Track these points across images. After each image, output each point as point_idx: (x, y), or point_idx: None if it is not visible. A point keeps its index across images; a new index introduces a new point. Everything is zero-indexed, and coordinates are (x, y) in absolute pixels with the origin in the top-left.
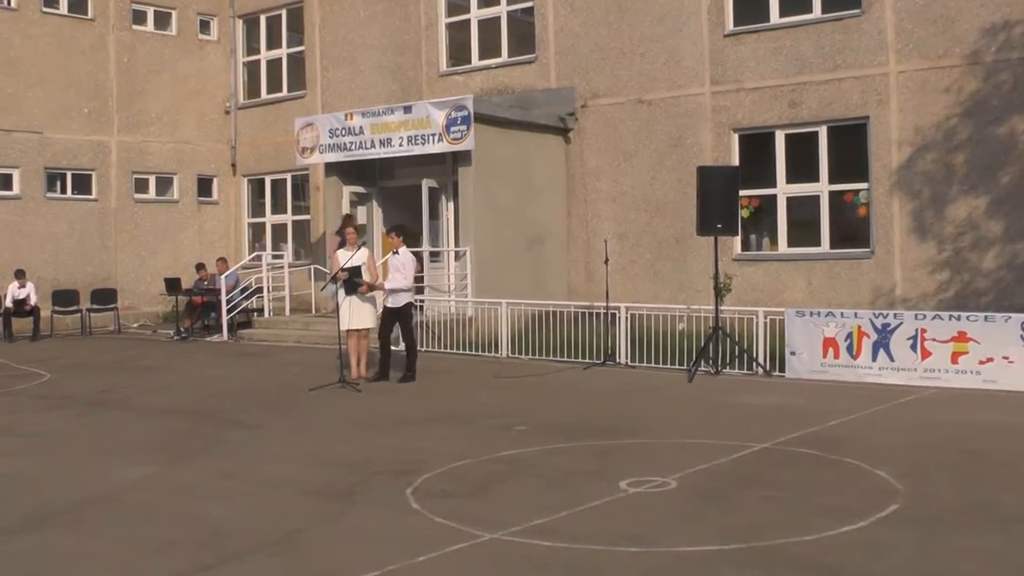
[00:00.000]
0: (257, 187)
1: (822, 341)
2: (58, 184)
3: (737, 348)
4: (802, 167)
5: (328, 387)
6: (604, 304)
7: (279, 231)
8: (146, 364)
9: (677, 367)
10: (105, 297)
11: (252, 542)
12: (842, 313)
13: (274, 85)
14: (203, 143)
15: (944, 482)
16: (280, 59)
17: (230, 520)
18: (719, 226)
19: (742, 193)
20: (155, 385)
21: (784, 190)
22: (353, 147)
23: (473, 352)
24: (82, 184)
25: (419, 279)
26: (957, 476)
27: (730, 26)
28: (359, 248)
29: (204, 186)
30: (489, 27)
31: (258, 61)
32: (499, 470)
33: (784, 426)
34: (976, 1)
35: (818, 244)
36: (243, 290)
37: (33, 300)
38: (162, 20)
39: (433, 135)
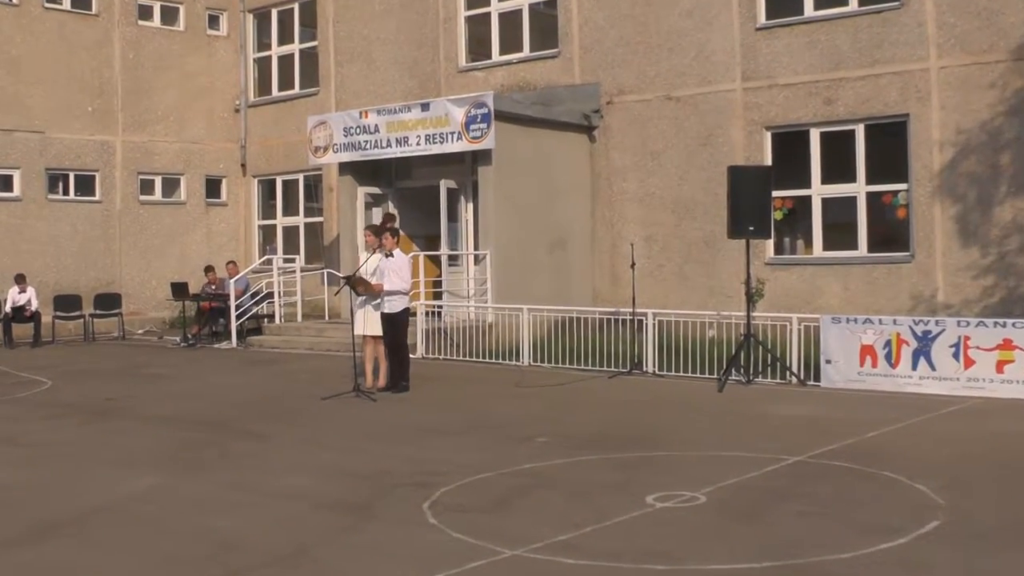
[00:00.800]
0: (268, 188)
1: (859, 349)
2: (60, 185)
3: (770, 356)
4: (838, 167)
5: (342, 396)
6: (630, 310)
7: (291, 234)
8: (152, 372)
9: (707, 376)
10: (109, 302)
11: (261, 557)
12: (880, 320)
13: (286, 82)
14: (212, 142)
15: (988, 497)
16: (292, 55)
17: (239, 534)
18: (751, 228)
19: (775, 194)
20: (161, 393)
21: (819, 191)
22: (368, 146)
23: (493, 360)
24: (85, 185)
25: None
26: (1001, 491)
27: (762, 19)
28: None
29: (212, 187)
30: (510, 20)
31: (269, 57)
32: (520, 483)
33: (819, 438)
34: None
35: (855, 247)
36: (253, 295)
37: (34, 305)
38: (169, 15)
39: (452, 133)
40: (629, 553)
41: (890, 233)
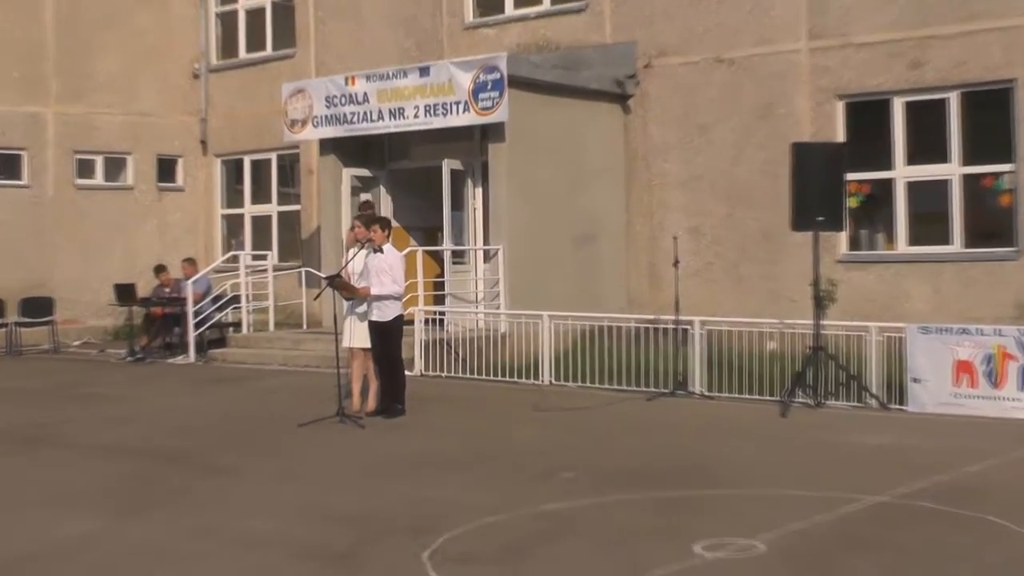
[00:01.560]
0: (233, 170)
1: (954, 365)
2: None
3: (844, 374)
4: (927, 144)
5: (324, 422)
6: (673, 317)
7: (261, 225)
8: (92, 392)
9: (766, 398)
10: (38, 308)
11: None
12: (980, 330)
13: (256, 42)
14: (165, 115)
15: None
16: (263, 9)
17: None
18: (820, 219)
19: (849, 177)
20: (102, 418)
21: (903, 173)
22: (356, 119)
23: (507, 378)
24: (10, 167)
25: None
26: None
27: None
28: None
29: (166, 169)
30: None
31: (235, 12)
32: (540, 528)
33: (905, 474)
34: None
35: (948, 242)
36: (215, 299)
37: None
38: None
39: (457, 104)
40: None
41: (991, 224)
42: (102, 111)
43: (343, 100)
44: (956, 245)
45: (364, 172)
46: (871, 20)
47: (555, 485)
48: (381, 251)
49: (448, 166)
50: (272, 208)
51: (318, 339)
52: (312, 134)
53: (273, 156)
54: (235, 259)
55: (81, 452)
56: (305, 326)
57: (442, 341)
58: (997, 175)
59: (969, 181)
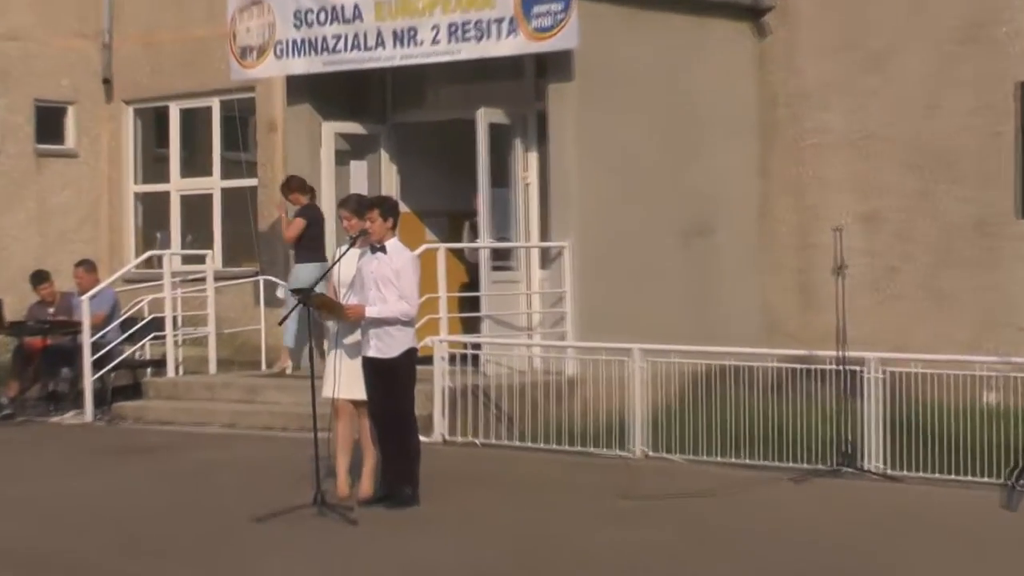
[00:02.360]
0: (153, 125)
1: None
2: None
3: None
4: None
5: (294, 514)
6: (835, 354)
7: (198, 211)
8: None
9: (983, 480)
10: None
11: None
12: None
13: None
14: (45, 38)
15: None
16: None
17: None
18: None
19: None
20: None
21: None
22: (342, 46)
23: (577, 447)
24: None
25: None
26: None
27: None
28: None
29: (49, 123)
30: None
31: None
32: None
33: None
34: None
35: None
36: (125, 325)
37: None
38: None
39: (499, 22)
40: None
41: None
42: None
43: (322, 17)
44: None
45: (355, 128)
46: None
47: None
48: (383, 250)
49: (485, 119)
50: (214, 184)
51: (284, 386)
52: (275, 68)
53: (215, 103)
54: (156, 263)
55: None
56: (265, 365)
57: (476, 390)
58: None
59: None
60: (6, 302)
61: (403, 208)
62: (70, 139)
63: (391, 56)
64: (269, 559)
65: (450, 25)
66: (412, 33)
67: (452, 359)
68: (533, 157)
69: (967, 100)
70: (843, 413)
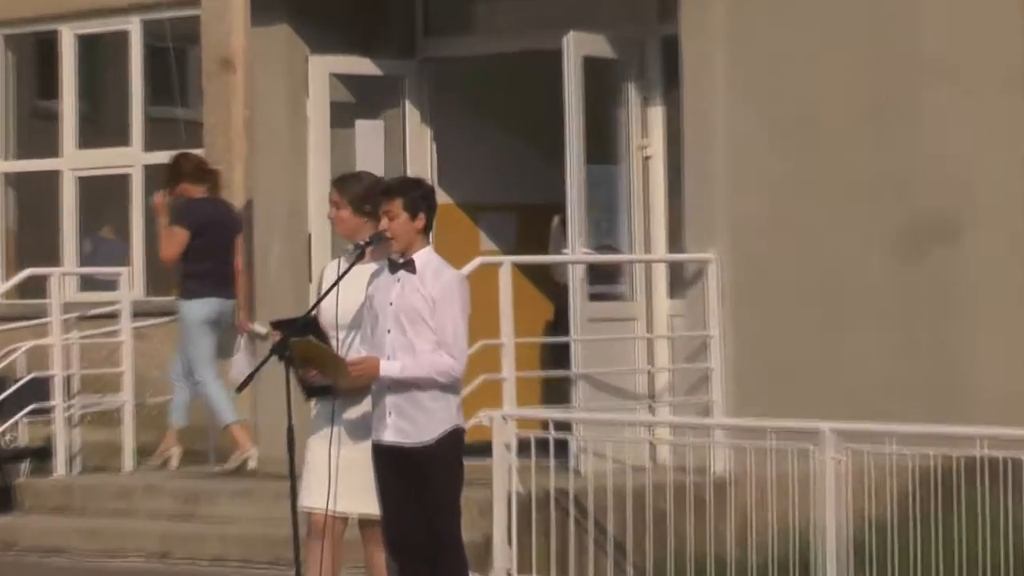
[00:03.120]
0: (34, 61)
1: None
2: None
3: None
4: None
5: None
6: None
7: (105, 201)
8: None
9: None
10: None
11: None
12: None
13: None
14: None
15: None
16: None
17: None
18: None
19: None
20: None
21: None
22: None
23: None
24: None
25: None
26: None
27: None
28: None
29: None
30: None
31: None
32: None
33: None
34: None
35: None
36: None
37: None
38: None
39: None
40: None
41: None
42: None
43: None
44: None
45: (364, 67)
46: None
47: None
48: (409, 267)
49: (577, 50)
50: (132, 158)
51: (246, 492)
52: None
53: (133, 26)
54: (38, 289)
55: None
56: (215, 457)
57: (563, 498)
58: None
59: None
60: None
61: (443, 198)
62: None
63: None
64: None
65: None
66: None
67: (524, 447)
68: (656, 114)
69: None
70: None
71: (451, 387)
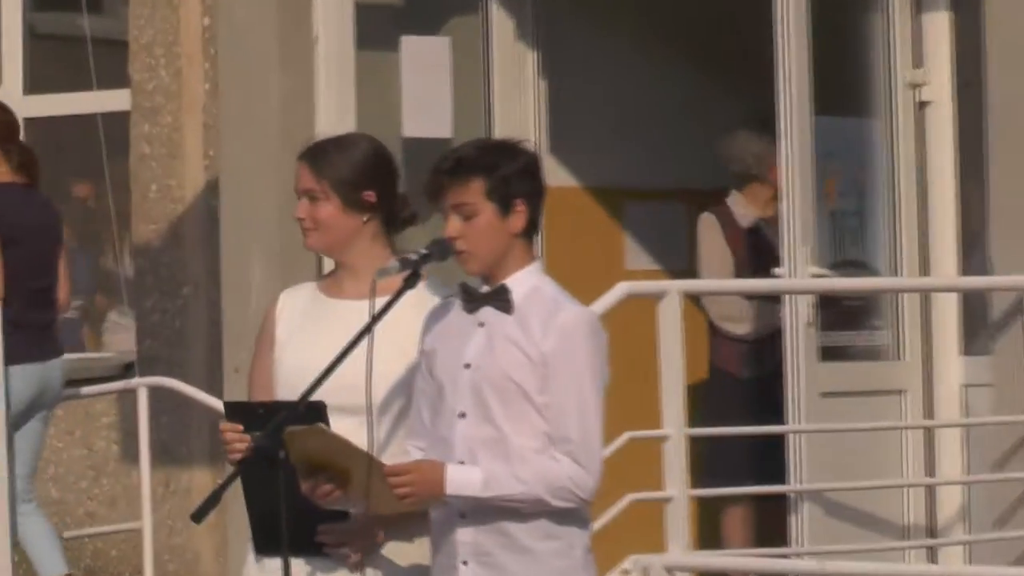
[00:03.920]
0: None
1: None
2: None
3: None
4: None
5: None
6: None
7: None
8: None
9: None
10: None
11: None
12: None
13: None
14: None
15: None
16: None
17: None
18: None
19: None
20: None
21: None
22: None
23: None
24: None
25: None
26: None
27: None
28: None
29: None
30: None
31: None
32: None
33: None
34: None
35: None
36: None
37: None
38: None
39: None
40: None
41: None
42: None
43: None
44: None
45: None
46: None
47: None
48: (502, 299)
49: None
50: (9, 99)
51: None
52: None
53: None
54: None
55: None
56: None
57: None
58: None
59: None
60: None
61: (556, 176)
62: None
63: None
64: None
65: None
66: None
67: None
68: (939, 30)
69: None
70: None
71: (574, 516)
